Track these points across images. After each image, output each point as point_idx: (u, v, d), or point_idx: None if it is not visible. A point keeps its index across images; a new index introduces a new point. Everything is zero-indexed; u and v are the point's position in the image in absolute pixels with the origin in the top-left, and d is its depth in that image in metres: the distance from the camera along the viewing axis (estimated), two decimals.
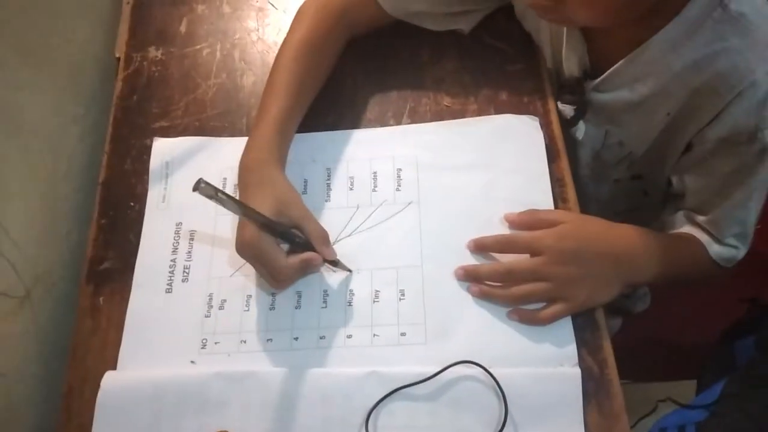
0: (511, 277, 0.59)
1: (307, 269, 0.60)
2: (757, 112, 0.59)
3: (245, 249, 0.56)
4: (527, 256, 0.59)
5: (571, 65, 0.68)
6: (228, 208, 0.55)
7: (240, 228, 0.57)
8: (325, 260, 0.60)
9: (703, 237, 0.67)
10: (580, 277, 0.58)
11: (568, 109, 0.69)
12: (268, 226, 0.56)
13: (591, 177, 0.77)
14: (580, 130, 0.70)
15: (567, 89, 0.69)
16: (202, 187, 0.52)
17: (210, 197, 0.53)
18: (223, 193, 0.53)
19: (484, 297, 0.59)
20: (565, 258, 0.58)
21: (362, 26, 0.73)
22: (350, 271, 0.62)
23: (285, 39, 0.68)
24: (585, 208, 0.83)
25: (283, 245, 0.59)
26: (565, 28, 0.66)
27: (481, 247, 0.61)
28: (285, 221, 0.58)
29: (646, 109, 0.65)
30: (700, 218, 0.68)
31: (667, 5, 0.57)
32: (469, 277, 0.60)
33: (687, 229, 0.69)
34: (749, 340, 0.66)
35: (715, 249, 0.67)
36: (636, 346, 0.96)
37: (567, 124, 0.70)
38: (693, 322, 0.92)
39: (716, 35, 0.58)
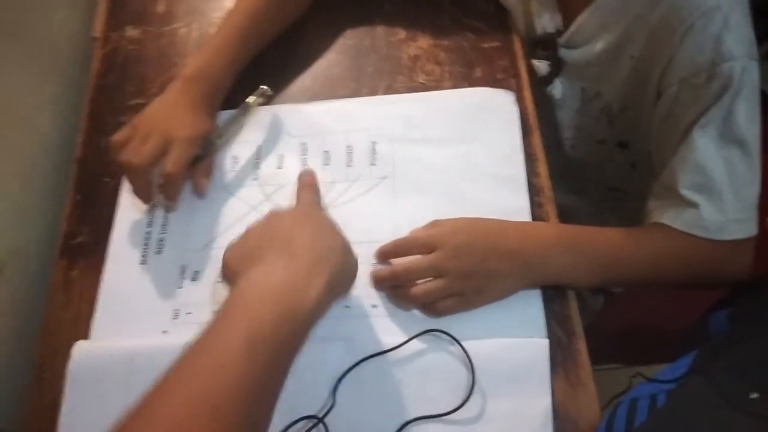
0: (409, 275, 0.57)
1: None
2: (713, 46, 0.57)
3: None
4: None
5: (543, 21, 0.68)
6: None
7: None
8: None
9: (668, 214, 0.60)
10: (474, 270, 0.56)
11: (543, 66, 0.69)
12: None
13: (575, 138, 0.77)
14: (557, 88, 0.70)
15: (540, 45, 0.69)
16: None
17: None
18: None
19: (393, 300, 0.59)
20: (458, 251, 0.56)
21: None
22: None
23: None
24: (576, 178, 0.82)
25: None
26: None
27: (383, 255, 0.60)
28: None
29: (612, 56, 0.65)
30: (661, 182, 0.62)
31: None
32: (376, 283, 0.59)
33: (652, 206, 0.63)
34: (723, 313, 0.66)
35: (682, 218, 0.59)
36: (619, 329, 0.96)
37: (543, 83, 0.70)
38: (676, 304, 0.92)
39: None
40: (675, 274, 0.62)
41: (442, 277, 0.56)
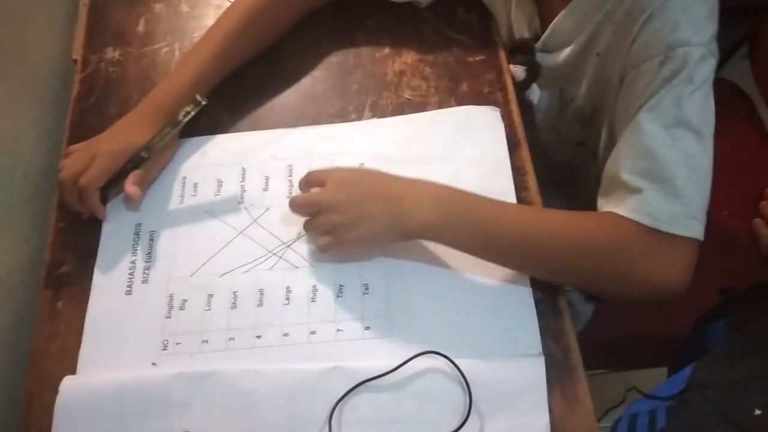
0: (295, 208, 0.62)
1: None
2: (670, 32, 0.56)
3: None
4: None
5: (521, 27, 0.69)
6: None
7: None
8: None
9: (611, 203, 0.56)
10: (347, 207, 0.59)
11: (519, 71, 0.69)
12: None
13: (554, 143, 0.77)
14: (535, 93, 0.70)
15: (518, 50, 0.69)
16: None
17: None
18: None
19: None
20: (339, 187, 0.60)
21: None
22: None
23: None
24: (564, 183, 0.82)
25: None
26: None
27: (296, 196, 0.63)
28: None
29: (581, 56, 0.65)
30: (605, 173, 0.59)
31: None
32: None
33: (599, 204, 0.59)
34: (721, 323, 0.66)
35: (626, 204, 0.54)
36: (609, 337, 0.96)
37: (520, 88, 0.70)
38: (665, 312, 0.92)
39: None
40: (600, 267, 0.56)
41: (324, 212, 0.59)
